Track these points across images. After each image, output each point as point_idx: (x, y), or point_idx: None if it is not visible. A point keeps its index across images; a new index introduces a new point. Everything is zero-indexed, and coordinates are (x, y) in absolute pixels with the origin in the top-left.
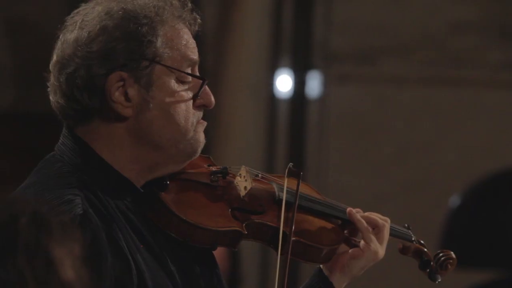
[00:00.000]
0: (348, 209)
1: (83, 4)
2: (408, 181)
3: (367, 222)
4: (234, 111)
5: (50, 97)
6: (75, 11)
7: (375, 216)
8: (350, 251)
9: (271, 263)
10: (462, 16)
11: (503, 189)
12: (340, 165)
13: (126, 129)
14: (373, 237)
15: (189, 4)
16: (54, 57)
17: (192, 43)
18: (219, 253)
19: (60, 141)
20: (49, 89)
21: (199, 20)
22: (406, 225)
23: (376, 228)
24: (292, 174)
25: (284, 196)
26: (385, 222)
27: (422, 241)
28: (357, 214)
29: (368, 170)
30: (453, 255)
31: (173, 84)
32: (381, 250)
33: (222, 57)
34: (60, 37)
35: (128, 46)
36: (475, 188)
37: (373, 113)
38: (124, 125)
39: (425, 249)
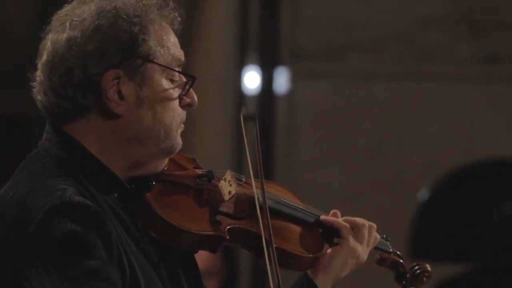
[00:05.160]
0: (322, 216)
1: (66, 5)
2: (379, 177)
3: (345, 221)
4: (202, 108)
5: (38, 96)
6: (60, 11)
7: (356, 218)
8: (330, 250)
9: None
10: (431, 11)
11: (470, 182)
12: (310, 162)
13: (115, 126)
14: (351, 234)
15: (171, 3)
16: (45, 57)
17: (178, 43)
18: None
19: (44, 137)
20: (35, 88)
21: (179, 19)
22: (384, 236)
23: (355, 227)
24: (247, 119)
25: (256, 201)
26: (366, 223)
27: (399, 253)
28: (333, 218)
29: (339, 167)
30: (429, 268)
31: (164, 82)
32: (360, 248)
33: (189, 54)
34: (49, 37)
35: (122, 45)
36: (443, 182)
37: (342, 109)
38: (113, 122)
39: (402, 261)
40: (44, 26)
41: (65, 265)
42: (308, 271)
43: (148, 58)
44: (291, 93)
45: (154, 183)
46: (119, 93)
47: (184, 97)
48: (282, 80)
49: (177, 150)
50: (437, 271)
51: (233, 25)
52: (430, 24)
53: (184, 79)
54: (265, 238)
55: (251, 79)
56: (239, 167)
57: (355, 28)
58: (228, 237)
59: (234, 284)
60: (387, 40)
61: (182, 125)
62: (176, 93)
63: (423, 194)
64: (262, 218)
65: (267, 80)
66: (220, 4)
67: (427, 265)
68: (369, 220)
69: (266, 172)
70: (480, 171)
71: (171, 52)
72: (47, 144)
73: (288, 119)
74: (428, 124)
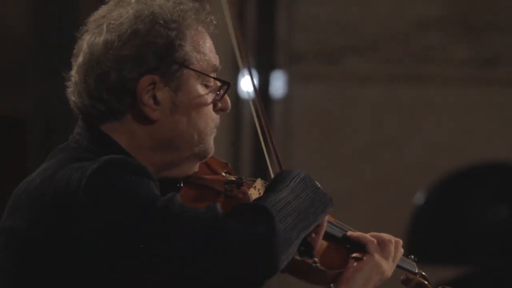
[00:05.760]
0: (348, 232)
1: (102, 6)
2: (375, 179)
3: (372, 237)
4: None
5: (72, 97)
6: (97, 12)
7: (383, 234)
8: (354, 263)
9: None
10: (426, 13)
11: (466, 185)
12: (306, 164)
13: (149, 131)
14: (377, 249)
15: (207, 7)
16: (81, 59)
17: (213, 48)
18: None
19: (75, 131)
20: (70, 89)
21: (214, 22)
22: (412, 256)
23: (381, 242)
24: None
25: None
26: (392, 238)
27: (424, 274)
28: (360, 232)
29: (334, 169)
30: None
31: (200, 88)
32: (386, 264)
33: None
34: (86, 39)
35: (159, 50)
36: (439, 185)
37: (338, 111)
38: (148, 127)
39: (427, 283)
40: (38, 26)
41: (134, 218)
42: (332, 285)
43: (184, 64)
44: (287, 96)
45: (182, 184)
46: (154, 98)
47: (217, 102)
48: (278, 83)
49: (210, 154)
50: (434, 275)
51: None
52: (427, 25)
53: (218, 84)
54: None
55: (247, 83)
56: (236, 169)
57: (351, 30)
58: None
59: None
60: (383, 42)
61: (215, 130)
62: (210, 98)
63: (419, 196)
64: None
65: (263, 83)
66: (216, 7)
67: None
68: (365, 221)
69: (263, 175)
70: (476, 173)
71: (206, 57)
72: (78, 137)
73: (284, 122)
74: (424, 126)
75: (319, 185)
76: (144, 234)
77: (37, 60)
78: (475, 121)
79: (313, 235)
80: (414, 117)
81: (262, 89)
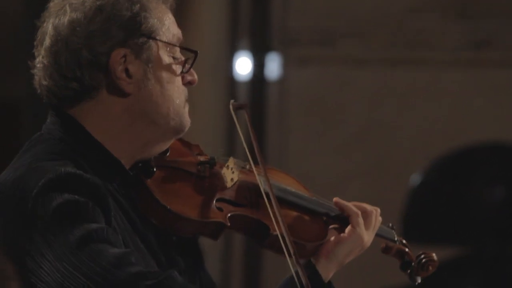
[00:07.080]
0: (335, 198)
1: None
2: (370, 162)
3: (355, 207)
4: (193, 94)
5: (43, 82)
6: None
7: (364, 204)
8: (334, 237)
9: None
10: None
11: (463, 166)
12: (301, 147)
13: (125, 106)
14: (361, 221)
15: None
16: (48, 41)
17: (175, 21)
18: None
19: (48, 120)
20: (36, 75)
21: None
22: (390, 224)
23: (364, 213)
24: (238, 108)
25: (261, 188)
26: (374, 209)
27: (404, 241)
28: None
29: (330, 151)
30: (435, 257)
31: (168, 59)
32: (367, 236)
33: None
34: (50, 21)
35: (126, 23)
36: (436, 165)
37: (333, 95)
38: (123, 102)
39: (407, 250)
40: (30, 8)
41: (64, 233)
42: (312, 258)
43: (151, 36)
44: (283, 79)
45: (155, 169)
46: (127, 71)
47: (185, 75)
48: (273, 66)
49: (186, 128)
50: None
51: (224, 11)
52: (419, 9)
53: (183, 58)
54: (267, 225)
55: (243, 65)
56: (231, 154)
57: (346, 14)
58: (229, 224)
59: None
60: (376, 26)
61: (187, 104)
62: (178, 70)
63: (415, 178)
64: (264, 205)
65: (259, 66)
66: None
67: (433, 254)
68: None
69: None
70: (473, 155)
71: (171, 29)
72: (52, 127)
73: (279, 105)
74: (417, 109)
75: None
76: (58, 254)
77: (29, 43)
78: (469, 104)
79: None
80: (408, 100)
81: (257, 72)
